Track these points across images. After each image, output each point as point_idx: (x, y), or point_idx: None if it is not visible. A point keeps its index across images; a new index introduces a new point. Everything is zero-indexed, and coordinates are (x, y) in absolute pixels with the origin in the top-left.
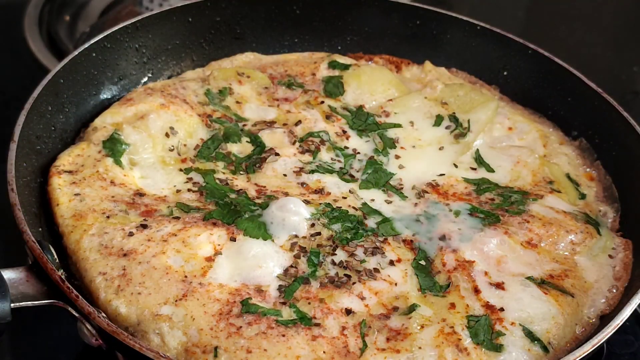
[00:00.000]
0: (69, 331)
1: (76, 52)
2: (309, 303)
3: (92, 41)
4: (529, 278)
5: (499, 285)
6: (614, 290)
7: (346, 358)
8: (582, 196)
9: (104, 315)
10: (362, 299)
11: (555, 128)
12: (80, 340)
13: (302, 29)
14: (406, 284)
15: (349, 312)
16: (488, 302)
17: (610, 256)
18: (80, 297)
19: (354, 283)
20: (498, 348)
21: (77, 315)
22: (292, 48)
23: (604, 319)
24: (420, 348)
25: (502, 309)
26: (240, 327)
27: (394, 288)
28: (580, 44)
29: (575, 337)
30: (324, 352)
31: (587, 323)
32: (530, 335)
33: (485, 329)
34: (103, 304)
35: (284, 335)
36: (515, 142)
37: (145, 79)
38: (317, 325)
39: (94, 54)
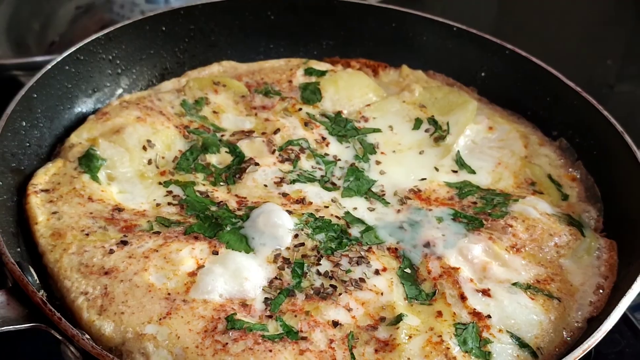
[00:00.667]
0: (51, 351)
1: (49, 66)
2: (295, 316)
3: (65, 54)
4: (515, 284)
5: (485, 292)
6: (601, 292)
7: None
8: (565, 197)
9: (88, 337)
10: (349, 310)
11: (535, 129)
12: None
13: (277, 35)
14: (392, 293)
15: (335, 324)
16: (475, 309)
17: (595, 258)
18: (63, 319)
19: (340, 294)
20: (487, 356)
21: (60, 338)
22: (268, 54)
23: (592, 321)
24: (409, 359)
25: (489, 316)
26: (227, 343)
27: (380, 298)
28: (554, 38)
29: (563, 340)
30: None
31: (575, 327)
32: (519, 342)
33: (473, 337)
34: (86, 324)
35: (271, 351)
36: (495, 143)
37: (120, 91)
38: (304, 339)
39: (67, 67)
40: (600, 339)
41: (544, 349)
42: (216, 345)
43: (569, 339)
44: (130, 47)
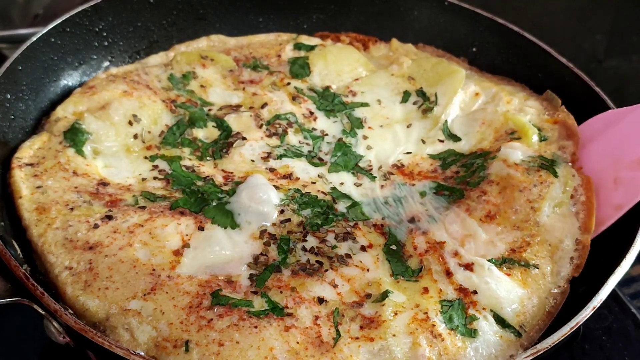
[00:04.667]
0: (34, 325)
1: (34, 38)
2: (281, 292)
3: (51, 26)
4: (490, 261)
5: (468, 266)
6: (581, 247)
7: (320, 348)
8: (544, 138)
9: (72, 312)
10: (335, 286)
11: (523, 87)
12: (46, 335)
13: (266, 8)
14: (378, 270)
15: (321, 300)
16: (461, 285)
17: (571, 204)
18: (45, 294)
19: (326, 270)
20: (472, 333)
21: (43, 312)
22: (257, 28)
23: (574, 283)
24: (394, 335)
25: (474, 292)
26: (211, 319)
27: (366, 274)
28: (542, 13)
29: (547, 312)
30: (298, 342)
31: (557, 293)
32: (502, 322)
33: (459, 313)
34: (70, 300)
35: (256, 327)
36: (481, 105)
37: (107, 64)
38: (290, 315)
39: (52, 39)
40: (588, 316)
41: (527, 325)
42: (201, 321)
43: (552, 308)
44: (117, 19)
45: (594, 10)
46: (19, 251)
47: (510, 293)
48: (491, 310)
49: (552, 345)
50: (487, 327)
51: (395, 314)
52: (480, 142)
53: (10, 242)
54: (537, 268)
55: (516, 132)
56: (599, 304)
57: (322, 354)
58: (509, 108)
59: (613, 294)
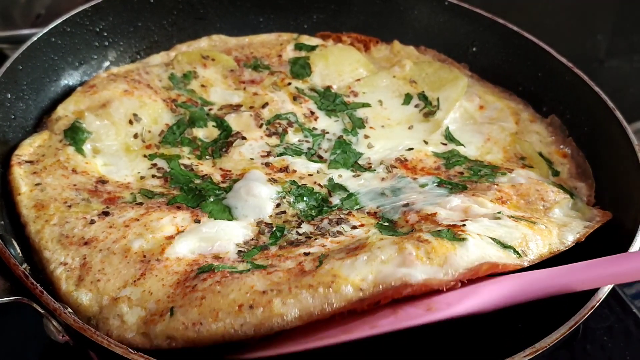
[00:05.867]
0: (35, 324)
1: (35, 38)
2: (267, 259)
3: (52, 26)
4: (499, 212)
5: (463, 221)
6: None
7: (302, 276)
8: (556, 173)
9: (70, 311)
10: (323, 246)
11: (526, 105)
12: (46, 334)
13: (266, 8)
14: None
15: (307, 254)
16: (449, 224)
17: (586, 219)
18: (45, 292)
19: (315, 239)
20: (461, 240)
21: (42, 311)
22: (257, 27)
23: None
24: (379, 248)
25: (464, 225)
26: (195, 285)
27: (354, 239)
28: (543, 13)
29: (550, 252)
30: (280, 277)
31: (564, 244)
32: (500, 243)
33: (448, 234)
34: (64, 296)
35: (238, 278)
36: (486, 120)
37: (107, 63)
38: (272, 266)
39: (53, 39)
40: (587, 315)
41: (529, 252)
42: (186, 290)
43: (557, 251)
44: (118, 19)
45: (595, 10)
46: (18, 250)
47: (513, 230)
48: (488, 237)
49: (551, 344)
50: (479, 241)
51: (381, 239)
52: (485, 155)
53: (9, 241)
54: (545, 227)
55: (526, 158)
56: (597, 304)
57: (304, 277)
58: (517, 129)
59: (615, 294)
